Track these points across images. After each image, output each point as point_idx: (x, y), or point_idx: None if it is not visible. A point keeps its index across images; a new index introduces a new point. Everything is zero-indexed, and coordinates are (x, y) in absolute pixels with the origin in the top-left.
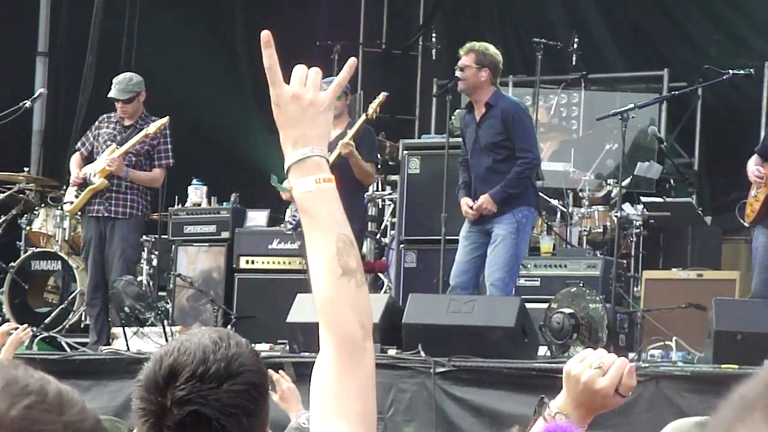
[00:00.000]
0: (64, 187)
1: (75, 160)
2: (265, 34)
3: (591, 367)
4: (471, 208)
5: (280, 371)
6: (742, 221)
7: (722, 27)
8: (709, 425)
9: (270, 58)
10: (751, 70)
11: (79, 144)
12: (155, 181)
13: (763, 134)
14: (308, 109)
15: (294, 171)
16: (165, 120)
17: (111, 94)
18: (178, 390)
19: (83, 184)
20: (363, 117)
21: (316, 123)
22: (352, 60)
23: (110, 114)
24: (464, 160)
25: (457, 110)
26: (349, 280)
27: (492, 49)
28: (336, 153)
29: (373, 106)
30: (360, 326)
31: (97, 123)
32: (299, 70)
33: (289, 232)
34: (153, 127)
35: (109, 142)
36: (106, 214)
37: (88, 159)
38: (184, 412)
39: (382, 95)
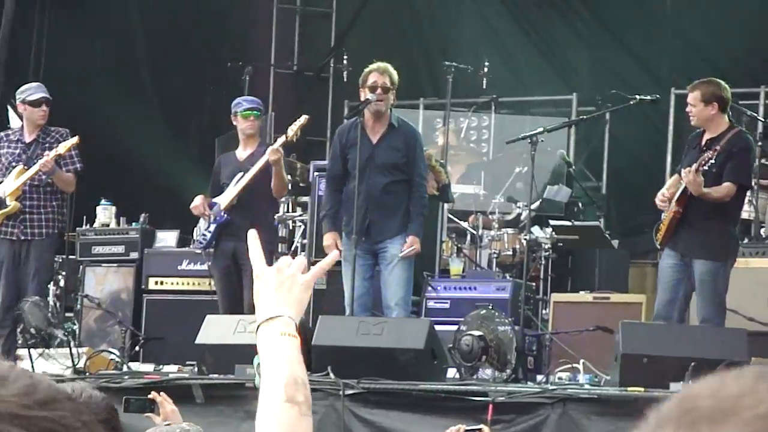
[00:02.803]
0: None
1: None
2: (252, 233)
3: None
4: (340, 248)
5: (162, 393)
6: (656, 243)
7: (631, 54)
8: None
9: (255, 250)
10: (657, 95)
11: None
12: (71, 185)
13: (669, 159)
14: (287, 279)
15: (262, 328)
16: (75, 140)
17: (39, 94)
18: None
19: None
20: (282, 138)
21: (292, 291)
22: (304, 117)
23: (7, 132)
24: (336, 177)
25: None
26: (292, 407)
27: (394, 70)
28: (258, 166)
29: (294, 129)
30: None
31: None
32: (285, 260)
33: (199, 251)
34: (62, 148)
35: (14, 163)
36: (22, 237)
37: None
38: None
39: (304, 118)
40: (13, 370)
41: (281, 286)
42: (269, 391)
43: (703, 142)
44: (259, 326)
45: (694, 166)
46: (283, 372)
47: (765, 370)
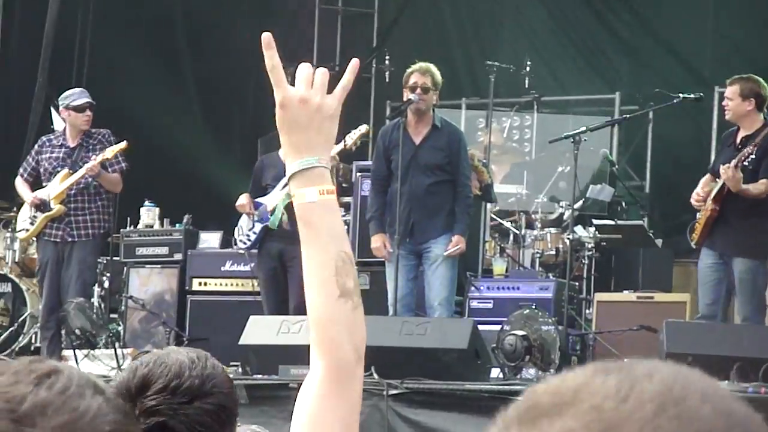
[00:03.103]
0: (14, 209)
1: (22, 183)
2: (266, 36)
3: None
4: (389, 250)
5: None
6: (690, 243)
7: (673, 53)
8: None
9: (272, 59)
10: (701, 94)
11: (21, 169)
12: (118, 185)
13: (713, 157)
14: (315, 114)
15: (296, 180)
16: (123, 145)
17: (83, 99)
18: (148, 400)
19: (41, 204)
20: (340, 146)
21: (322, 130)
22: (355, 61)
23: (50, 137)
24: (381, 177)
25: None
26: (346, 302)
27: (437, 70)
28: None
29: (354, 138)
30: (354, 350)
31: (36, 147)
32: (305, 71)
33: (242, 252)
34: (110, 152)
35: (59, 168)
36: (68, 239)
37: (33, 184)
38: (150, 422)
39: (365, 128)
40: (61, 397)
41: (310, 123)
42: (319, 286)
43: (738, 140)
44: (292, 176)
45: (733, 162)
46: (330, 255)
47: (602, 366)
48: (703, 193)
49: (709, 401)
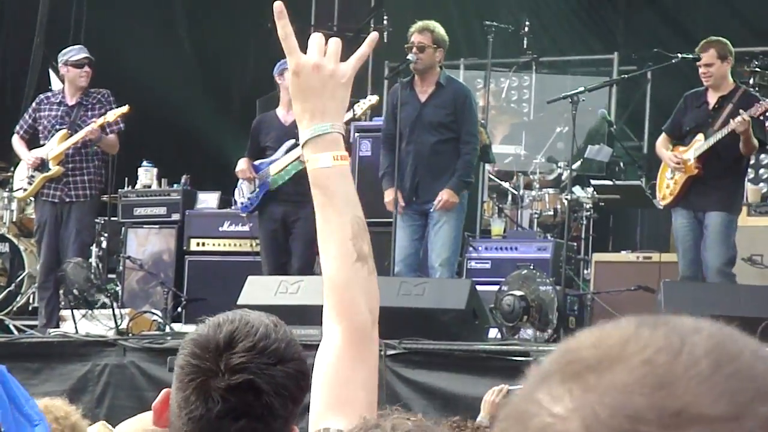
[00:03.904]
0: (12, 169)
1: (19, 142)
2: (278, 5)
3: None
4: (397, 201)
5: None
6: (658, 204)
7: (667, 16)
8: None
9: (284, 28)
10: (700, 54)
11: (18, 127)
12: (115, 147)
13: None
14: (329, 80)
15: (310, 145)
16: (125, 109)
17: (82, 54)
18: (236, 356)
19: (40, 165)
20: (349, 114)
21: (335, 96)
22: (374, 34)
23: (48, 95)
24: (390, 136)
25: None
26: (363, 266)
27: (441, 28)
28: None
29: (363, 108)
30: (369, 312)
31: (35, 105)
32: (317, 39)
33: (243, 215)
34: (111, 115)
35: (57, 126)
36: (66, 200)
37: (30, 142)
38: (238, 379)
39: (375, 99)
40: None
41: (324, 89)
42: (335, 249)
43: (714, 101)
44: (306, 142)
45: (750, 111)
46: (346, 219)
47: (645, 318)
48: (680, 155)
49: (759, 359)
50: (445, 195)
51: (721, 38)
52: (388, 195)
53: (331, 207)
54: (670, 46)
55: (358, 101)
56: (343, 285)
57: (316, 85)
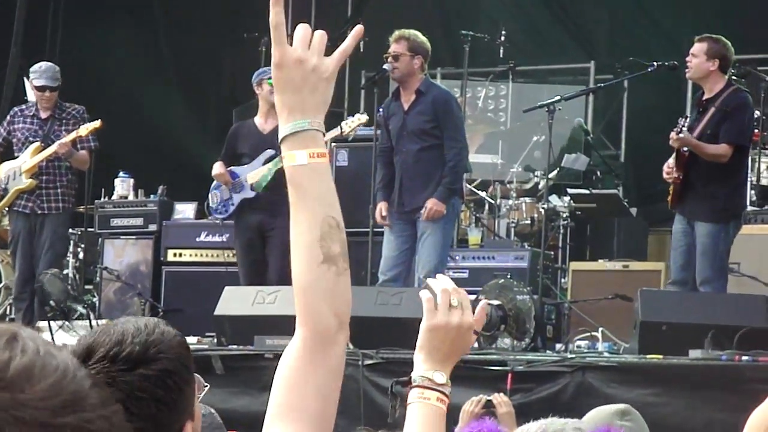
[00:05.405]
0: None
1: None
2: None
3: (451, 307)
4: (384, 217)
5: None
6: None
7: (651, 20)
8: None
9: (277, 16)
10: (675, 62)
11: None
12: (86, 163)
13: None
14: (310, 75)
15: (287, 142)
16: (97, 123)
17: (41, 82)
18: (89, 368)
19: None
20: (336, 131)
21: (316, 91)
22: (358, 27)
23: (22, 107)
24: (385, 149)
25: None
26: (329, 268)
27: (421, 36)
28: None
29: (351, 126)
30: (334, 316)
31: (9, 118)
32: (303, 31)
33: (218, 222)
34: (84, 130)
35: (31, 138)
36: (38, 212)
37: (4, 155)
38: None
39: (364, 117)
40: (39, 358)
41: (305, 83)
42: (302, 250)
43: (703, 103)
44: (284, 138)
45: (673, 132)
46: (317, 219)
47: None
48: (673, 163)
49: None
50: (429, 204)
51: (722, 38)
52: (378, 209)
53: (302, 205)
54: (655, 53)
55: (346, 119)
56: (307, 287)
57: (297, 79)
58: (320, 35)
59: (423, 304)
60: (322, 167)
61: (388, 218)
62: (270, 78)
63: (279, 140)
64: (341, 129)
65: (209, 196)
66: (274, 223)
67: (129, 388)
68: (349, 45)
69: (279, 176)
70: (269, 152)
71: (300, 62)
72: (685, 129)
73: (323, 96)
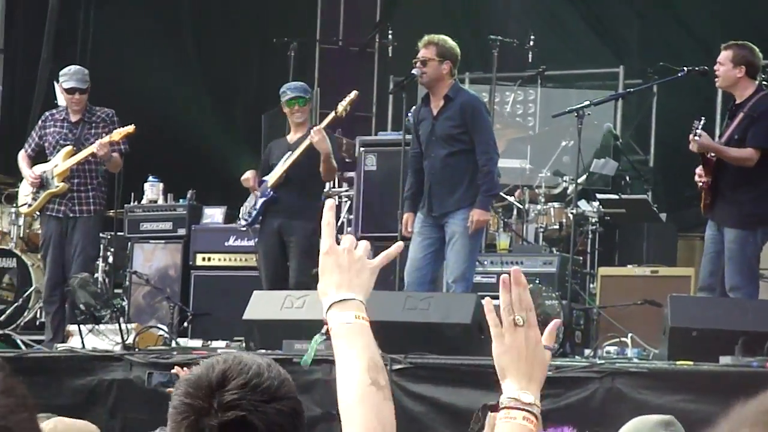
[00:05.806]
0: (19, 185)
1: (23, 158)
2: (329, 203)
3: (516, 326)
4: (409, 230)
5: (185, 368)
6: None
7: (682, 24)
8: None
9: (328, 218)
10: (706, 67)
11: (26, 144)
12: (119, 166)
13: (718, 132)
14: (356, 262)
15: (335, 307)
16: (131, 128)
17: (71, 84)
18: (228, 393)
19: (40, 184)
20: (332, 114)
21: (361, 275)
22: (398, 244)
23: (53, 111)
24: (416, 154)
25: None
26: (377, 391)
27: (450, 41)
28: (305, 144)
29: (344, 105)
30: (380, 426)
31: (40, 122)
32: (350, 238)
33: (244, 229)
34: (117, 135)
35: (62, 142)
36: (70, 215)
37: (35, 159)
38: (231, 416)
39: (354, 94)
40: None
41: (351, 267)
42: (351, 375)
43: (733, 109)
44: (330, 306)
45: (690, 135)
46: (363, 356)
47: None
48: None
49: None
50: (475, 216)
51: (748, 44)
52: (404, 219)
53: (349, 351)
54: (686, 57)
55: (340, 101)
56: (358, 401)
57: (344, 262)
58: (364, 243)
59: (491, 330)
60: (366, 328)
61: (415, 226)
62: (288, 100)
63: (325, 310)
64: (336, 111)
65: (243, 205)
66: (292, 225)
67: (267, 420)
68: (392, 253)
69: (294, 177)
70: (287, 153)
71: (348, 251)
72: (700, 131)
73: (366, 282)
